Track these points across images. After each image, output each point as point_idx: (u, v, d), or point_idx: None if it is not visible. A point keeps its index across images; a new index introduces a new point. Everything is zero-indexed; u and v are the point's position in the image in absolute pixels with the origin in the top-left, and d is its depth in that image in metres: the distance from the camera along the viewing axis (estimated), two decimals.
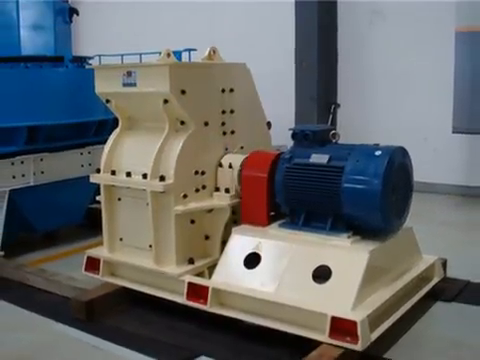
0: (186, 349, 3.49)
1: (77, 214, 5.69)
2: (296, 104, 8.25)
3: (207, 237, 4.06)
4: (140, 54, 4.08)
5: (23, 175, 5.12)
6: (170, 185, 3.78)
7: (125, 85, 3.96)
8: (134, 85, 3.92)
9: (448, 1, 6.95)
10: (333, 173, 3.61)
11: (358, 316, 3.11)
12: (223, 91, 4.12)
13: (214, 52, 4.28)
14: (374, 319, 3.24)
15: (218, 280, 3.69)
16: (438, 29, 7.33)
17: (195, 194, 3.95)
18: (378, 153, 3.52)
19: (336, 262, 3.41)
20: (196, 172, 3.95)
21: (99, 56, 4.32)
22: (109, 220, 4.18)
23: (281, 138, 4.98)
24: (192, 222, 3.94)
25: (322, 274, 3.42)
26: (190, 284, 3.71)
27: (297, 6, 8.13)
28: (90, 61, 5.82)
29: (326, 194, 3.64)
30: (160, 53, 3.87)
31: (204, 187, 4.02)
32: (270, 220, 3.97)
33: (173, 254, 3.86)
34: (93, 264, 4.25)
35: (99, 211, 4.26)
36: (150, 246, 3.92)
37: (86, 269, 4.30)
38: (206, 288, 3.63)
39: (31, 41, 5.63)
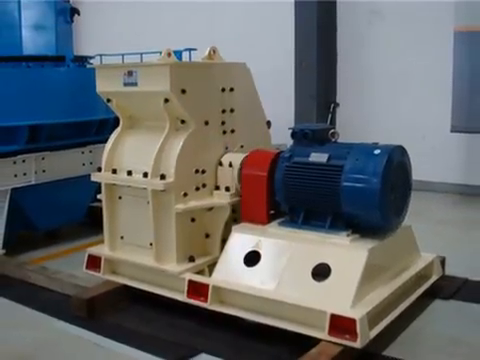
0: (186, 346, 3.50)
1: (78, 212, 5.71)
2: (296, 103, 8.27)
3: (207, 235, 4.08)
4: (141, 54, 4.08)
5: (25, 174, 5.14)
6: (170, 184, 3.80)
7: (126, 84, 3.98)
8: (135, 84, 3.93)
9: (447, 1, 6.96)
10: (332, 172, 3.63)
11: (357, 314, 3.13)
12: (223, 90, 4.14)
13: (214, 52, 4.29)
14: (373, 317, 3.26)
15: (218, 278, 3.71)
16: (437, 29, 7.35)
17: (195, 192, 3.97)
18: (377, 152, 3.54)
19: (335, 260, 3.43)
20: (196, 171, 3.97)
21: (100, 56, 4.32)
22: (110, 218, 4.20)
23: (281, 137, 5.02)
24: (192, 220, 3.97)
25: (321, 272, 3.43)
26: (190, 282, 3.73)
27: (297, 6, 8.16)
28: (91, 61, 5.83)
29: (325, 193, 3.65)
30: (161, 53, 3.87)
31: (204, 185, 4.04)
32: (270, 218, 3.99)
33: (174, 252, 3.88)
34: (94, 262, 4.27)
35: (100, 209, 4.27)
36: (151, 244, 3.94)
37: (87, 267, 4.32)
38: (206, 286, 3.65)
39: (33, 41, 5.64)
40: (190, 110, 3.89)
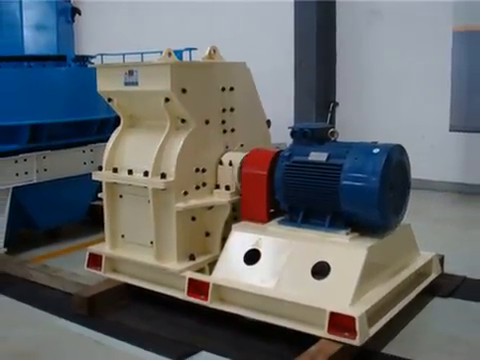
0: (187, 344, 3.51)
1: (79, 211, 5.73)
2: (295, 103, 8.29)
3: (207, 234, 4.09)
4: (141, 53, 4.10)
5: (26, 173, 5.16)
6: (171, 182, 3.81)
7: (127, 84, 3.99)
8: (136, 84, 3.95)
9: (445, 1, 6.98)
10: (332, 171, 3.64)
11: (356, 312, 3.14)
12: (223, 90, 4.16)
13: (214, 51, 4.30)
14: (372, 315, 3.27)
15: (218, 276, 3.72)
16: (435, 28, 7.37)
17: (196, 191, 3.98)
18: (376, 151, 3.55)
19: (335, 258, 3.44)
20: (197, 170, 3.99)
21: (101, 55, 4.32)
22: (111, 217, 4.22)
23: (280, 136, 5.04)
24: (193, 219, 3.98)
25: (321, 270, 3.44)
26: (191, 280, 3.74)
27: (296, 6, 8.18)
28: (92, 60, 5.85)
29: (325, 191, 3.67)
30: (161, 52, 3.88)
31: (204, 184, 4.06)
32: (270, 217, 4.00)
33: (174, 250, 3.89)
34: (95, 260, 4.28)
35: (101, 208, 4.29)
36: (151, 242, 3.95)
37: (88, 265, 4.33)
38: (207, 284, 3.66)
39: (34, 40, 5.65)
40: (190, 109, 3.91)
